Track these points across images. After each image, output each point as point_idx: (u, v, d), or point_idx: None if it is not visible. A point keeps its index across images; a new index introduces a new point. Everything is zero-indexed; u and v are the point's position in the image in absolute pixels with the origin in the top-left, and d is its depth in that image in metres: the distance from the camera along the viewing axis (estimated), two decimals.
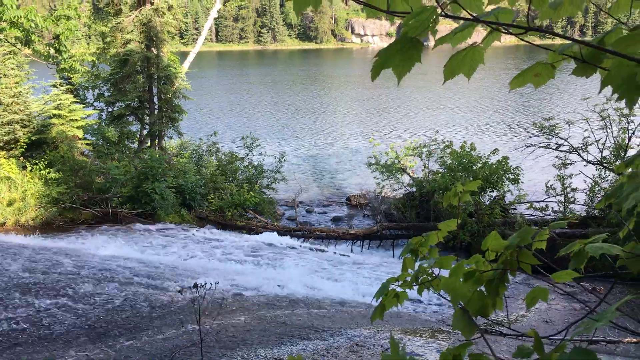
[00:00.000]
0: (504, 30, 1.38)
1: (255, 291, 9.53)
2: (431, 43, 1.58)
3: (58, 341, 5.81)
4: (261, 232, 17.51)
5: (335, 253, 16.05)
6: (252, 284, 10.01)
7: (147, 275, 9.33)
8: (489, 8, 1.42)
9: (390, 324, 7.99)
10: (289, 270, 12.48)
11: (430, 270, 2.30)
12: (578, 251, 1.88)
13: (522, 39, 1.44)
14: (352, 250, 17.55)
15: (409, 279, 2.34)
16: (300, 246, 16.51)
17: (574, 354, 1.47)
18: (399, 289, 2.33)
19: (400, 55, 1.41)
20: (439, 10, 1.35)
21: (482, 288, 2.02)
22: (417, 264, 2.38)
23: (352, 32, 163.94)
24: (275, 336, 6.67)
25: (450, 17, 1.40)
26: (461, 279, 2.04)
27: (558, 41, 1.49)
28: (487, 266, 2.02)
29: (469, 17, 1.35)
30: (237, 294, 9.15)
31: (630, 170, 2.42)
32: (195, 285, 4.27)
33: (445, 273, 2.26)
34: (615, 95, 1.38)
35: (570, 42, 1.39)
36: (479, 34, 1.47)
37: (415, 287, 2.35)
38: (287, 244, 16.40)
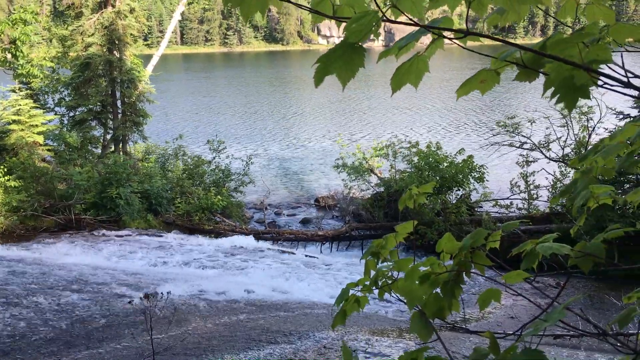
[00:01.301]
0: (448, 38, 1.39)
1: (221, 296, 9.44)
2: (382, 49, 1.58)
3: (10, 353, 5.65)
4: (229, 236, 17.38)
5: (304, 255, 16.02)
6: (218, 288, 9.91)
7: (111, 283, 9.15)
8: (430, 13, 1.42)
9: (358, 325, 8.01)
10: (257, 274, 12.41)
11: (390, 274, 2.30)
12: (530, 251, 1.90)
13: (461, 46, 1.45)
14: (321, 251, 17.55)
15: (368, 282, 2.34)
16: (269, 249, 16.43)
17: (523, 354, 1.48)
18: (359, 294, 2.33)
19: (342, 61, 1.40)
20: (380, 15, 1.35)
21: (438, 290, 2.03)
22: (378, 266, 2.39)
23: (319, 33, 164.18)
24: (242, 341, 6.62)
25: (391, 21, 1.39)
26: (417, 282, 2.04)
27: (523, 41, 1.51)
28: (442, 268, 2.03)
29: (410, 21, 1.35)
30: (203, 299, 9.06)
31: (583, 166, 2.46)
32: (146, 296, 4.18)
33: (404, 275, 2.26)
34: (555, 99, 1.39)
35: (512, 48, 1.40)
36: (423, 39, 1.47)
37: (376, 291, 2.35)
38: (255, 247, 16.30)
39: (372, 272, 2.45)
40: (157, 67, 26.33)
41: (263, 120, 43.16)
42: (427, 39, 1.53)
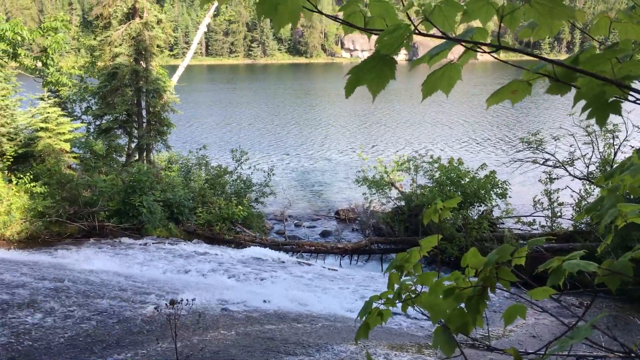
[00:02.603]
0: (479, 51, 1.39)
1: (241, 306, 9.45)
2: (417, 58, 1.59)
3: (32, 357, 5.72)
4: (249, 246, 17.43)
5: (323, 267, 15.98)
6: (238, 298, 9.93)
7: (132, 290, 9.23)
8: (462, 26, 1.43)
9: (377, 339, 7.95)
10: (276, 285, 12.41)
11: (413, 287, 2.29)
12: (556, 268, 1.88)
13: (496, 58, 1.45)
14: (340, 264, 17.51)
15: (391, 296, 2.33)
16: (289, 260, 16.43)
17: None
18: (382, 307, 2.32)
19: (374, 73, 1.42)
20: (412, 28, 1.36)
21: (463, 305, 2.02)
22: (402, 280, 2.38)
23: (342, 46, 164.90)
24: (261, 352, 6.61)
25: (423, 35, 1.40)
26: (441, 296, 2.03)
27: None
28: (467, 283, 2.01)
29: (441, 34, 1.36)
30: (223, 308, 9.08)
31: (610, 184, 2.43)
32: (172, 302, 4.22)
33: (427, 289, 2.25)
34: (586, 114, 1.39)
35: (544, 62, 1.40)
36: (455, 49, 1.48)
37: (399, 305, 2.34)
38: (275, 258, 16.32)
39: (396, 286, 2.44)
40: (182, 77, 26.67)
41: (285, 132, 43.37)
42: (459, 49, 1.53)
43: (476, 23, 1.52)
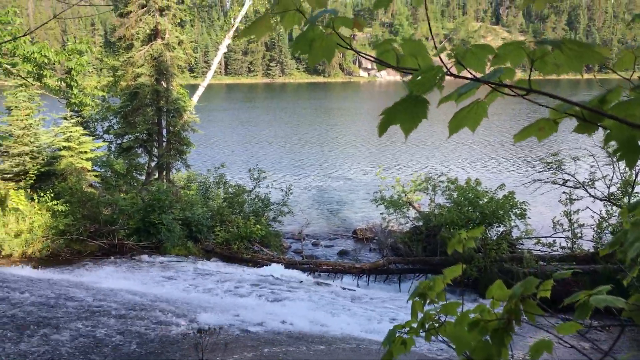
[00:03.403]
0: (510, 94, 1.42)
1: (259, 327, 9.45)
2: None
3: None
4: (267, 265, 17.44)
5: (341, 287, 15.93)
6: (256, 319, 9.93)
7: (152, 309, 9.28)
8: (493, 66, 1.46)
9: None
10: (294, 305, 12.39)
11: (437, 317, 2.30)
12: (582, 302, 1.87)
13: (527, 99, 1.47)
14: (358, 284, 17.43)
15: (415, 325, 2.34)
16: (306, 280, 16.41)
17: None
18: (405, 336, 2.33)
19: (407, 113, 1.45)
20: (444, 70, 1.39)
21: (487, 337, 2.02)
22: (425, 308, 2.39)
23: (360, 66, 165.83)
24: None
25: (455, 76, 1.44)
26: (466, 328, 2.03)
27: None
28: (492, 315, 2.01)
29: (472, 76, 1.39)
30: (241, 329, 9.08)
31: (633, 217, 2.42)
32: (200, 331, 4.25)
33: (451, 319, 2.26)
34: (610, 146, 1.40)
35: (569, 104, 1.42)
36: (483, 87, 1.51)
37: (422, 334, 2.35)
38: (293, 277, 16.31)
39: (419, 314, 2.45)
40: (202, 96, 27.00)
41: (303, 151, 43.55)
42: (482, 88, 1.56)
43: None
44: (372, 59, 1.54)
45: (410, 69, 1.51)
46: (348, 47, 1.53)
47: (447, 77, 1.52)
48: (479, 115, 1.53)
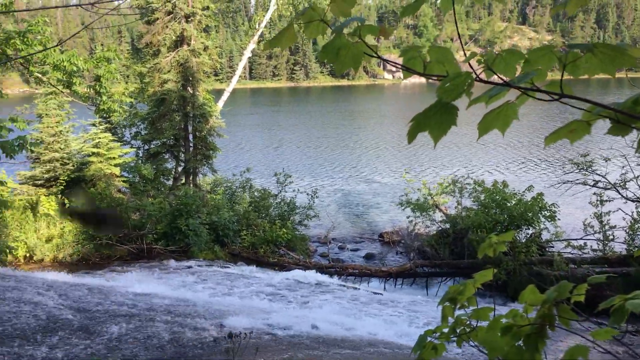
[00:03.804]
0: (540, 99, 1.41)
1: (287, 330, 9.47)
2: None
3: None
4: (293, 269, 17.48)
5: (368, 291, 15.88)
6: (284, 322, 9.95)
7: (180, 313, 9.38)
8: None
9: None
10: (321, 309, 12.38)
11: (468, 322, 2.28)
12: (618, 307, 1.84)
13: (561, 101, 1.46)
14: (385, 287, 17.35)
15: (446, 330, 2.32)
16: (333, 283, 16.40)
17: None
18: (436, 341, 2.32)
19: (436, 120, 1.45)
20: (473, 76, 1.39)
21: (520, 343, 2.00)
22: (456, 313, 2.37)
23: (384, 68, 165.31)
24: None
25: (484, 82, 1.43)
26: (499, 333, 2.01)
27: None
28: (525, 320, 1.99)
29: (502, 82, 1.38)
30: (269, 333, 9.11)
31: None
32: (230, 336, 4.28)
33: (483, 324, 2.24)
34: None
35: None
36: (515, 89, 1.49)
37: (454, 339, 2.33)
38: (319, 281, 16.31)
39: (450, 319, 2.43)
40: (227, 101, 27.22)
41: (329, 154, 43.57)
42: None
43: None
44: (399, 67, 1.54)
45: (437, 75, 1.50)
46: (375, 55, 1.53)
47: (476, 82, 1.51)
48: (508, 117, 1.52)
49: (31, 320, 7.58)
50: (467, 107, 1.53)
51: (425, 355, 2.34)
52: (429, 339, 2.35)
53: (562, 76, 1.36)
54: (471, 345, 2.31)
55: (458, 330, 2.31)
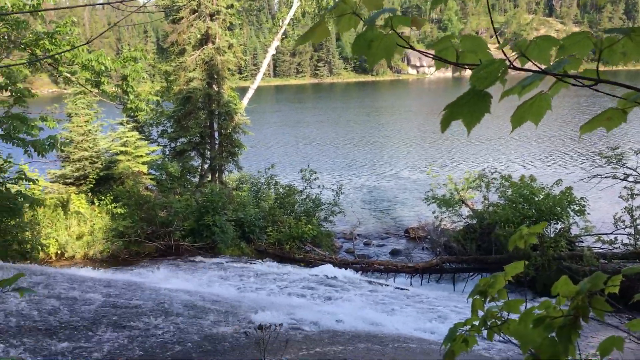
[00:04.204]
0: (576, 84, 1.39)
1: (314, 326, 9.50)
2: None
3: None
4: (319, 265, 17.51)
5: (394, 287, 15.83)
6: (310, 318, 9.98)
7: (209, 309, 9.48)
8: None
9: None
10: (347, 304, 12.39)
11: (499, 314, 2.27)
12: None
13: (592, 88, 1.44)
14: (411, 283, 17.29)
15: (477, 322, 2.31)
16: (359, 279, 16.39)
17: None
18: (467, 334, 2.31)
19: (469, 108, 1.44)
20: (507, 63, 1.38)
21: (553, 334, 1.98)
22: (486, 306, 2.35)
23: (408, 63, 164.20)
24: None
25: (518, 69, 1.42)
26: (531, 325, 2.00)
27: None
28: (558, 312, 1.97)
29: (537, 68, 1.36)
30: (296, 328, 9.15)
31: None
32: (260, 327, 4.32)
33: (514, 317, 2.22)
34: None
35: None
36: (547, 79, 1.47)
37: (484, 332, 2.32)
38: (345, 277, 16.32)
39: (480, 312, 2.42)
40: (252, 99, 27.36)
41: (354, 150, 43.49)
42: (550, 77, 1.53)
43: None
44: (433, 57, 1.53)
45: (471, 64, 1.50)
46: (408, 46, 1.53)
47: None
48: (542, 108, 1.50)
49: (67, 315, 7.74)
50: (500, 99, 1.52)
51: (456, 348, 2.33)
52: (459, 331, 2.34)
53: (598, 61, 1.34)
54: (500, 341, 2.29)
55: (489, 323, 2.29)
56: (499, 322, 2.28)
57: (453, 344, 2.33)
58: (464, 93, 1.45)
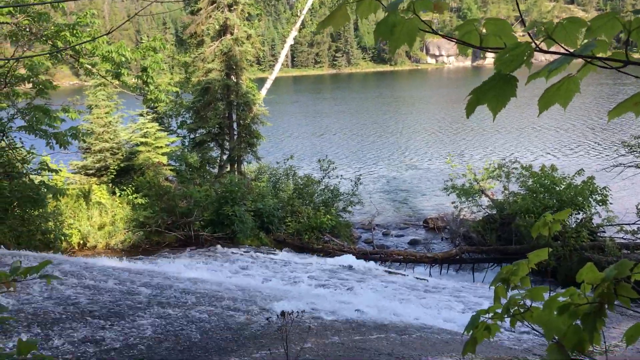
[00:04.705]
0: (604, 66, 1.37)
1: (332, 315, 9.52)
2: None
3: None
4: (338, 255, 17.54)
5: (413, 277, 15.80)
6: (329, 307, 10.01)
7: (231, 297, 9.55)
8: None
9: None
10: (366, 294, 12.39)
11: (522, 302, 2.25)
12: None
13: (619, 71, 1.41)
14: (430, 274, 17.25)
15: (499, 310, 2.29)
16: (377, 269, 16.39)
17: None
18: (489, 321, 2.29)
19: (495, 92, 1.43)
20: (532, 46, 1.36)
21: (578, 322, 1.96)
22: (509, 294, 2.34)
23: (427, 52, 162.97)
24: None
25: (544, 52, 1.40)
26: (555, 312, 1.98)
27: None
28: (583, 299, 1.95)
29: (564, 51, 1.34)
30: (315, 317, 9.18)
31: None
32: (283, 314, 4.34)
33: (536, 304, 2.20)
34: None
35: None
36: (574, 63, 1.45)
37: (507, 319, 2.30)
38: (363, 267, 16.33)
39: (502, 300, 2.40)
40: (270, 89, 27.37)
41: (372, 141, 43.36)
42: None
43: None
44: (456, 41, 1.52)
45: (495, 48, 1.48)
46: (430, 30, 1.52)
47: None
48: (570, 91, 1.48)
49: (88, 303, 7.86)
50: (527, 83, 1.50)
51: (478, 336, 2.32)
52: (482, 319, 2.33)
53: (627, 43, 1.32)
54: (523, 331, 2.27)
55: (512, 311, 2.27)
56: (522, 310, 2.26)
57: (475, 331, 2.32)
58: (489, 77, 1.44)
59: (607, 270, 1.93)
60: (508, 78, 1.42)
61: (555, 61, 1.37)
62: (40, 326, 6.65)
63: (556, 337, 1.99)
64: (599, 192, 16.65)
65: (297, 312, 4.15)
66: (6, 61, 12.45)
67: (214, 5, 22.16)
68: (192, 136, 24.13)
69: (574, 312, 1.94)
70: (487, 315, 2.34)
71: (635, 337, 1.84)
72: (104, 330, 6.81)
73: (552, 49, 1.40)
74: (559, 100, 1.50)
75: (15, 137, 14.16)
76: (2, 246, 12.64)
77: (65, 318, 7.09)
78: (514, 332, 9.60)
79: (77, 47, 13.27)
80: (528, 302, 2.26)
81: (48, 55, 14.23)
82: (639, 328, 1.82)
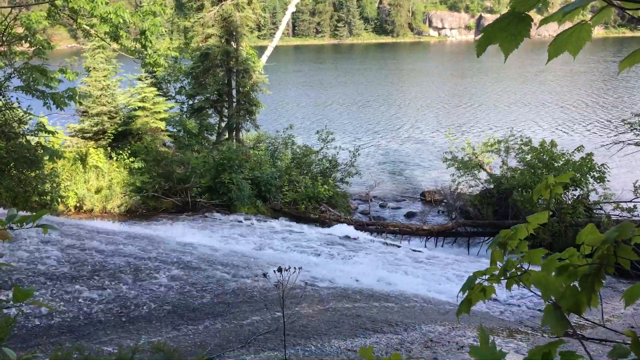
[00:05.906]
0: (623, 7, 1.30)
1: (328, 283, 9.58)
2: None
3: (140, 322, 6.08)
4: (334, 225, 17.57)
5: (408, 249, 15.87)
6: (325, 275, 10.06)
7: (225, 264, 9.58)
8: None
9: (464, 321, 7.83)
10: (361, 264, 12.46)
11: (519, 265, 2.22)
12: None
13: (633, 16, 1.35)
14: (425, 246, 17.32)
15: (496, 272, 2.27)
16: (373, 240, 16.45)
17: None
18: (486, 283, 2.27)
19: (508, 31, 1.37)
20: None
21: (576, 283, 1.93)
22: (505, 258, 2.31)
23: (430, 25, 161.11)
24: (349, 328, 6.69)
25: None
26: (553, 273, 1.95)
27: None
28: (582, 261, 1.92)
29: None
30: (310, 284, 9.24)
31: None
32: (280, 269, 4.34)
33: (533, 268, 2.17)
34: None
35: None
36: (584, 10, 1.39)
37: (503, 283, 2.28)
38: (360, 237, 16.38)
39: (498, 263, 2.37)
40: (270, 58, 27.10)
41: (372, 112, 43.15)
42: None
43: None
44: None
45: None
46: None
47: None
48: (581, 39, 1.43)
49: (81, 264, 7.88)
50: (539, 26, 1.44)
51: (473, 297, 2.30)
52: (478, 280, 2.30)
53: None
54: (522, 288, 2.25)
55: (509, 273, 2.25)
56: (519, 273, 2.23)
57: (470, 292, 2.29)
58: (501, 15, 1.38)
59: (608, 232, 1.89)
60: (522, 17, 1.36)
61: (571, 4, 1.31)
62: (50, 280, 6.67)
63: (553, 299, 1.97)
64: (597, 169, 16.62)
65: (294, 268, 4.14)
66: (3, 18, 12.25)
67: None
68: (190, 102, 23.97)
69: (573, 272, 1.91)
70: (483, 277, 2.31)
71: (634, 297, 1.81)
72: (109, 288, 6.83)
73: None
74: (569, 48, 1.44)
75: (12, 97, 14.02)
76: None
77: (63, 276, 7.10)
78: (506, 304, 9.68)
79: (74, 6, 13.04)
80: (525, 266, 2.23)
81: (46, 15, 14.04)
82: (638, 288, 1.79)
